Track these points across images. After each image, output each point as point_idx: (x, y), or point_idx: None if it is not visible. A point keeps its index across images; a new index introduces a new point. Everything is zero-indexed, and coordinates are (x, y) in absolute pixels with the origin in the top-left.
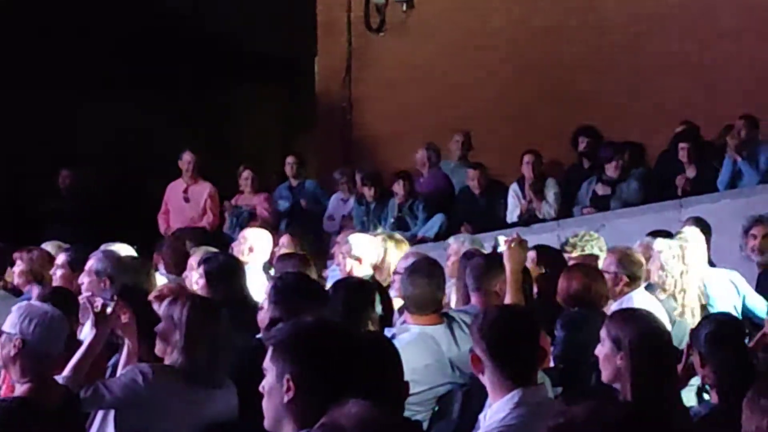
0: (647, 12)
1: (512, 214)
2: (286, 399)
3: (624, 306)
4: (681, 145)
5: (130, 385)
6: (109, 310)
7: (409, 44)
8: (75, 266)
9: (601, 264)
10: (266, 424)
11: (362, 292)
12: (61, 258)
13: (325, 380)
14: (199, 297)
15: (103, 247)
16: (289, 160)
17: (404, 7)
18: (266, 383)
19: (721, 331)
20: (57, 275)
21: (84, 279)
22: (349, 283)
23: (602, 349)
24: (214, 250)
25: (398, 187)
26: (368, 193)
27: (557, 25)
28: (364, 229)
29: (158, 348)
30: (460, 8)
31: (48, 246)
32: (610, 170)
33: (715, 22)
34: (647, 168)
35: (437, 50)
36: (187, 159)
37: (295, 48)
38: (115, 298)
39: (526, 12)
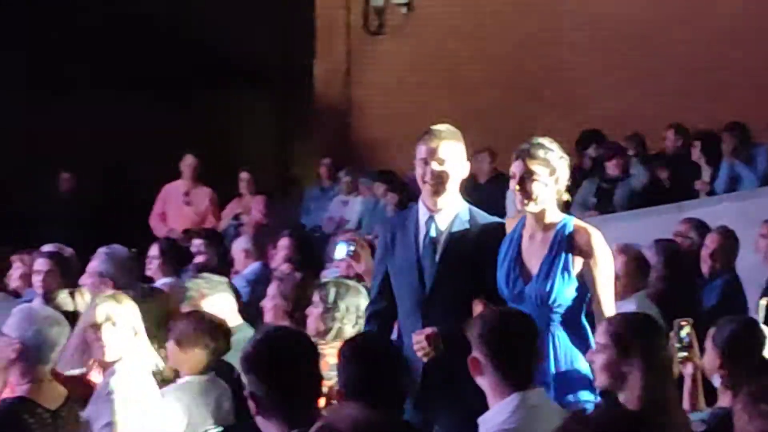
0: (645, 12)
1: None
2: (254, 412)
3: (624, 310)
4: (695, 144)
5: None
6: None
7: (408, 47)
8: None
9: None
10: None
11: None
12: (43, 263)
13: (280, 390)
14: None
15: (104, 248)
16: (326, 161)
17: (404, 10)
18: None
19: (744, 331)
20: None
21: (86, 280)
22: None
23: (601, 356)
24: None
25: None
26: (389, 195)
27: (554, 27)
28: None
29: None
30: (459, 11)
31: (47, 249)
32: (611, 169)
33: (713, 22)
34: (647, 169)
35: (436, 53)
36: (189, 162)
37: (294, 51)
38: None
39: (523, 15)
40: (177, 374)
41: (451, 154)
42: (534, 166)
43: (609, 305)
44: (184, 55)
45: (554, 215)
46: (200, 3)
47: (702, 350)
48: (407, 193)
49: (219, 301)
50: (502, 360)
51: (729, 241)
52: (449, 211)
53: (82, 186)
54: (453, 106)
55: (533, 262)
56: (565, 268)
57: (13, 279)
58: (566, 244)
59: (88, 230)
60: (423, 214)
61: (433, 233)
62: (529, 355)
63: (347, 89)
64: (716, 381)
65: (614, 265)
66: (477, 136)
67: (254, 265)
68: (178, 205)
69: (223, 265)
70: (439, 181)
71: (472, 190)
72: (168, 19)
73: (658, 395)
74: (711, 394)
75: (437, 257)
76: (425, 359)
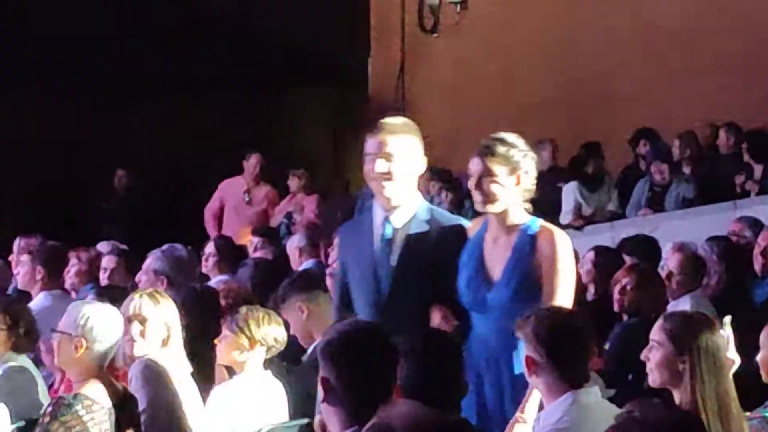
0: (696, 11)
1: (567, 214)
2: (321, 398)
3: (680, 308)
4: (745, 143)
5: None
6: None
7: (462, 45)
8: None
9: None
10: (315, 421)
11: None
12: (110, 259)
13: (355, 382)
14: None
15: (164, 247)
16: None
17: (458, 8)
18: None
19: None
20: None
21: (142, 277)
22: None
23: (656, 353)
24: None
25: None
26: (444, 193)
27: (609, 25)
28: None
29: None
30: (514, 9)
31: (102, 246)
32: (664, 170)
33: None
34: (700, 168)
35: (491, 51)
36: (253, 162)
37: (349, 50)
38: None
39: (577, 12)
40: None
41: (401, 149)
42: (492, 165)
43: None
44: (239, 56)
45: (518, 217)
46: (256, 4)
47: (757, 348)
48: (462, 192)
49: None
50: (559, 359)
51: None
52: (406, 211)
53: (138, 183)
54: (507, 103)
55: (496, 267)
56: (529, 273)
57: (70, 276)
58: (529, 247)
59: (144, 227)
60: (379, 215)
61: (388, 235)
62: (586, 354)
63: (402, 87)
64: None
65: (670, 264)
66: (531, 132)
67: (308, 263)
68: (237, 203)
69: (280, 263)
70: (385, 178)
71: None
72: (224, 20)
73: (713, 394)
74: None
75: (393, 261)
76: None
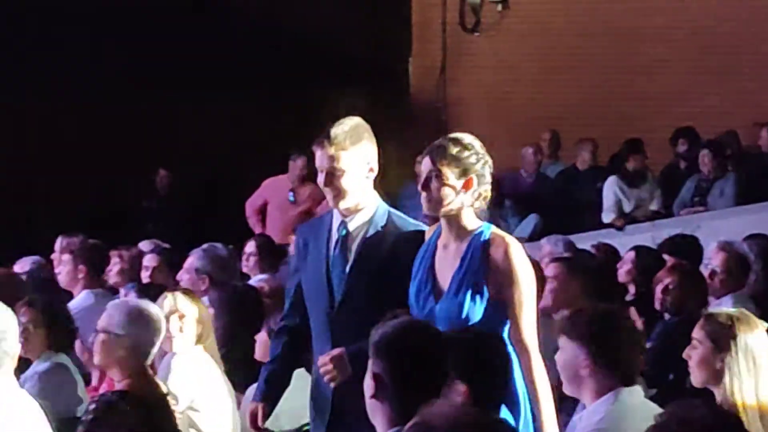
0: (738, 12)
1: (608, 213)
2: (369, 394)
3: (723, 307)
4: None
5: None
6: None
7: (504, 44)
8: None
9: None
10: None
11: None
12: (152, 258)
13: (407, 379)
14: None
15: (205, 246)
16: (420, 159)
17: (499, 8)
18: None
19: None
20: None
21: (183, 276)
22: None
23: (697, 352)
24: None
25: None
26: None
27: (651, 25)
28: None
29: None
30: (554, 7)
31: (144, 245)
32: (707, 169)
33: None
34: (743, 167)
35: (532, 50)
36: (300, 164)
37: (390, 49)
38: None
39: (619, 11)
40: None
41: (349, 162)
42: (442, 166)
43: (528, 329)
44: (278, 54)
45: (470, 222)
46: (297, 2)
47: None
48: (501, 190)
49: None
50: (609, 358)
51: None
52: (363, 216)
53: (179, 183)
54: (547, 103)
55: (445, 276)
56: (478, 284)
57: (112, 275)
58: (480, 255)
59: (186, 227)
60: (336, 219)
61: (343, 240)
62: (635, 354)
63: (443, 87)
64: None
65: (714, 263)
66: (572, 131)
67: None
68: (281, 202)
69: None
70: (334, 191)
71: (570, 176)
72: (263, 18)
73: (752, 393)
74: None
75: (347, 267)
76: (332, 384)
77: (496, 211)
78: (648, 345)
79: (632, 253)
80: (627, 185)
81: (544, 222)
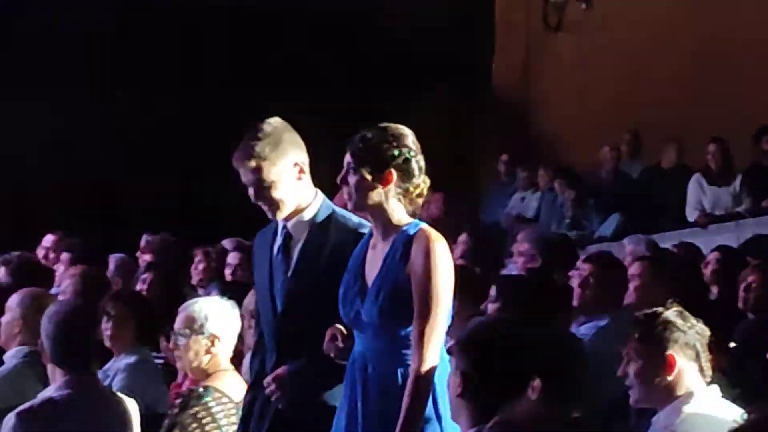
0: None
1: (692, 211)
2: (456, 393)
3: None
4: None
5: None
6: None
7: (587, 42)
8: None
9: None
10: (451, 414)
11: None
12: (235, 256)
13: (494, 376)
14: None
15: None
16: (504, 157)
17: (583, 6)
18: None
19: None
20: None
21: None
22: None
23: None
24: None
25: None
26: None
27: (739, 23)
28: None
29: None
30: (639, 6)
31: (227, 243)
32: None
33: None
34: None
35: (616, 48)
36: None
37: (473, 48)
38: None
39: (705, 8)
40: None
41: (273, 172)
42: (357, 159)
43: (430, 332)
44: (362, 54)
45: (398, 220)
46: (380, 4)
47: None
48: (585, 189)
49: None
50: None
51: None
52: (304, 216)
53: None
54: (632, 102)
55: (372, 276)
56: (399, 284)
57: (196, 272)
58: (401, 253)
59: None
60: (281, 223)
61: (285, 245)
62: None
63: (526, 86)
64: None
65: None
66: (656, 131)
67: None
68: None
69: None
70: (267, 204)
71: (655, 175)
72: (346, 18)
73: None
74: None
75: (289, 273)
76: (279, 405)
77: (579, 210)
78: (732, 344)
79: (716, 253)
80: (708, 182)
81: (627, 221)
